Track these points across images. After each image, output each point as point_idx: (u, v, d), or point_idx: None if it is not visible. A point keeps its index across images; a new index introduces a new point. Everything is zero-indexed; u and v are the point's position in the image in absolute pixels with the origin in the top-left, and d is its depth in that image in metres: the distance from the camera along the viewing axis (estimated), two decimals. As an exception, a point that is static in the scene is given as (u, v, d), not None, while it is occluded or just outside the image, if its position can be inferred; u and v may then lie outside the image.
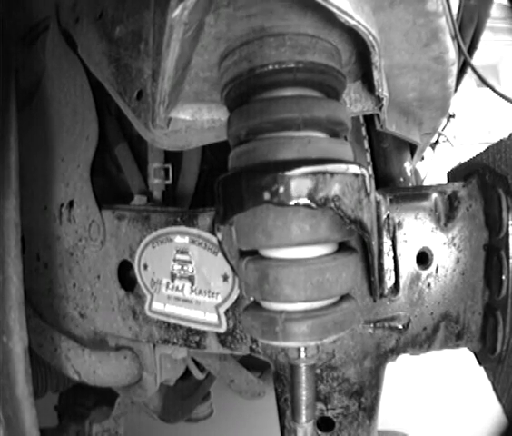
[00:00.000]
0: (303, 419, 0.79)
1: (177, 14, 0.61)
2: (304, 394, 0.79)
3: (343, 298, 0.80)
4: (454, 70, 0.91)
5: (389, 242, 0.92)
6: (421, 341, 0.95)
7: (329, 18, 0.68)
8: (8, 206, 0.77)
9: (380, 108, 0.88)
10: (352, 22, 0.63)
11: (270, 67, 0.74)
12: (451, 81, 0.95)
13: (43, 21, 1.27)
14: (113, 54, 0.96)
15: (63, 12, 1.15)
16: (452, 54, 0.86)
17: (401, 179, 1.37)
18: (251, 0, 0.69)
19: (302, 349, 0.77)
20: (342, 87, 0.83)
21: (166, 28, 0.64)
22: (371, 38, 0.67)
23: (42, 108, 1.25)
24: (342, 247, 0.83)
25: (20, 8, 1.28)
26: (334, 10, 0.61)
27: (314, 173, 0.69)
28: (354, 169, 0.73)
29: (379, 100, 0.86)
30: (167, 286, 1.02)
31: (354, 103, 0.93)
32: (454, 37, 0.82)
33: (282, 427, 1.01)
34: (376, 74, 0.76)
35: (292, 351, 0.78)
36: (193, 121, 0.92)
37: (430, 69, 0.90)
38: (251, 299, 0.84)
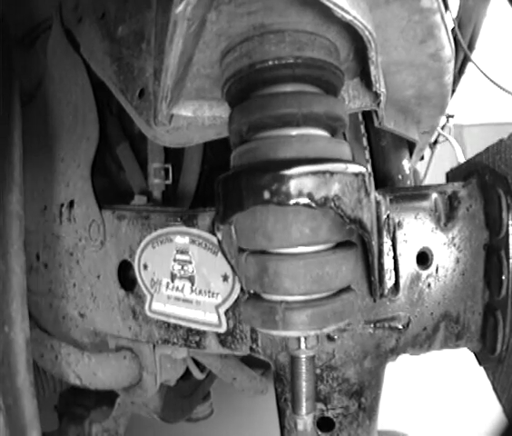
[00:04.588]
0: (303, 411, 0.78)
1: (181, 10, 0.62)
2: (304, 386, 0.78)
3: (343, 289, 0.80)
4: (451, 67, 0.92)
5: (389, 242, 0.93)
6: (421, 342, 0.95)
7: (328, 15, 0.69)
8: (12, 199, 0.78)
9: (378, 104, 0.89)
10: (348, 17, 0.64)
11: (270, 63, 0.75)
12: (448, 78, 0.96)
13: (44, 22, 1.28)
14: (116, 54, 0.97)
15: (65, 12, 1.16)
16: (448, 51, 0.86)
17: (399, 177, 1.37)
18: None
19: (302, 339, 0.77)
20: (340, 83, 0.84)
21: (170, 24, 0.65)
22: (367, 33, 0.68)
23: (42, 108, 1.26)
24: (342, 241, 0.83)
25: (20, 9, 1.29)
26: (331, 6, 0.62)
27: (314, 173, 0.69)
28: (354, 168, 0.74)
29: (376, 96, 0.87)
30: (167, 286, 1.02)
31: (352, 99, 0.94)
32: (453, 35, 0.83)
33: (282, 427, 1.01)
34: (373, 70, 0.77)
35: (292, 341, 0.78)
36: (195, 118, 0.93)
37: (427, 66, 0.90)
38: (252, 292, 0.84)
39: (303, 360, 0.78)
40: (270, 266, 0.74)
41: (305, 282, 0.73)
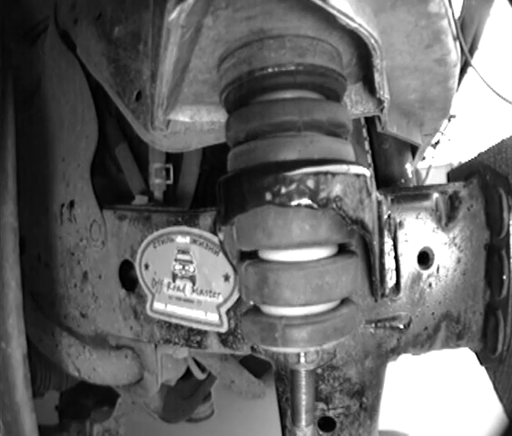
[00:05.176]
0: (303, 423, 0.79)
1: (174, 18, 0.61)
2: (304, 399, 0.79)
3: (343, 302, 0.80)
4: (456, 71, 0.90)
5: (391, 242, 0.92)
6: (422, 341, 0.95)
7: (330, 20, 0.67)
8: (5, 211, 0.77)
9: (381, 110, 0.87)
10: (353, 25, 0.63)
11: (270, 70, 0.74)
12: (453, 82, 0.94)
13: (43, 20, 1.27)
14: (112, 55, 0.96)
15: (61, 12, 1.14)
16: (454, 56, 0.85)
17: (402, 180, 1.36)
18: (250, 1, 0.68)
19: (302, 354, 0.77)
20: (343, 89, 0.82)
21: (163, 31, 0.64)
22: (373, 41, 0.67)
23: (42, 108, 1.25)
24: (342, 250, 0.83)
25: (20, 8, 1.28)
26: (335, 13, 0.60)
27: (316, 174, 0.68)
28: (355, 169, 0.73)
29: (380, 102, 0.85)
30: (168, 286, 1.02)
31: (355, 104, 0.93)
32: (456, 38, 0.82)
33: (283, 427, 1.02)
34: (377, 77, 0.75)
35: (292, 356, 0.78)
36: (192, 123, 0.91)
37: (432, 71, 0.89)
38: (251, 303, 0.84)
39: (303, 374, 0.78)
40: (271, 276, 0.74)
41: (305, 292, 0.72)
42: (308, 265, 0.75)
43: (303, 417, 0.79)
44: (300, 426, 0.79)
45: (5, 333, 0.74)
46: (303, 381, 0.78)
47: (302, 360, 0.77)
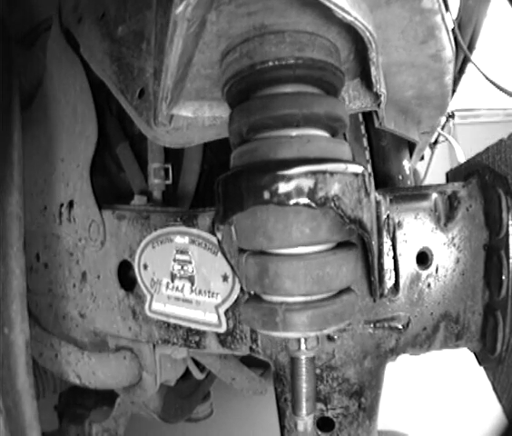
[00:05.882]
0: (303, 411, 0.79)
1: (181, 11, 0.62)
2: (304, 386, 0.79)
3: (343, 290, 0.81)
4: (451, 67, 0.91)
5: (389, 242, 0.93)
6: (421, 342, 0.95)
7: (328, 15, 0.69)
8: (12, 201, 0.78)
9: (379, 105, 0.89)
10: (349, 18, 0.64)
11: (271, 63, 0.75)
12: (449, 78, 0.95)
13: (44, 22, 1.28)
14: (116, 54, 0.97)
15: (65, 12, 1.16)
16: (449, 52, 0.86)
17: (400, 177, 1.37)
18: None
19: (302, 340, 0.78)
20: (341, 84, 0.84)
21: (170, 24, 0.65)
22: (368, 34, 0.68)
23: (42, 108, 1.26)
24: (342, 241, 0.83)
25: (20, 9, 1.29)
26: (332, 7, 0.62)
27: (314, 173, 0.69)
28: (354, 168, 0.74)
29: (377, 97, 0.86)
30: (167, 286, 1.02)
31: (353, 100, 0.94)
32: (453, 35, 0.83)
33: (282, 427, 1.01)
34: (373, 71, 0.77)
35: (292, 342, 0.78)
36: (195, 118, 0.93)
37: (428, 66, 0.90)
38: (252, 292, 0.85)
39: (303, 361, 0.79)
40: (271, 267, 0.74)
41: (305, 282, 0.73)
42: (308, 256, 0.75)
43: (304, 405, 0.79)
44: (300, 415, 0.79)
45: (8, 319, 0.74)
46: (303, 369, 0.78)
47: (303, 346, 0.78)
